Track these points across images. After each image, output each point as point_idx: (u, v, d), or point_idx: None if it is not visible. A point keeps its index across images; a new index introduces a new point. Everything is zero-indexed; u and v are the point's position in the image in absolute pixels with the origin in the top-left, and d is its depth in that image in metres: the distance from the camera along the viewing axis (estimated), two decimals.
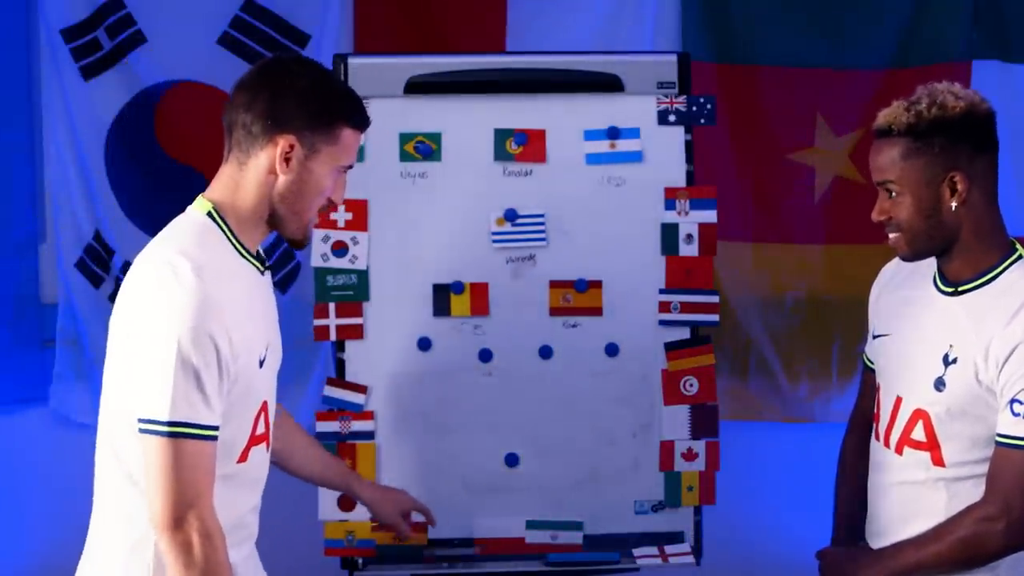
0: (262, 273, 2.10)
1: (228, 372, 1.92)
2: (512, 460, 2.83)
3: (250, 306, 2.02)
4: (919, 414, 2.17)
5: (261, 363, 2.02)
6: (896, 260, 2.32)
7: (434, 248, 2.78)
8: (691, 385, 2.84)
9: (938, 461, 2.16)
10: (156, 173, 3.63)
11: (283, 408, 2.39)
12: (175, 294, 1.89)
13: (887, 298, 2.34)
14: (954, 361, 2.12)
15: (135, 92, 3.62)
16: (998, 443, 2.08)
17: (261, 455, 2.10)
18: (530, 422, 2.82)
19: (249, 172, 2.02)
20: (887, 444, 2.24)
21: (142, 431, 1.90)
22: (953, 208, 2.10)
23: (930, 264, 2.22)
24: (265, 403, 2.08)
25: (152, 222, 3.62)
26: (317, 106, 2.02)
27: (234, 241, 2.03)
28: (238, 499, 2.05)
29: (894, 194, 2.13)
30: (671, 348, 2.84)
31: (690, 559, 2.84)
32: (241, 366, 1.96)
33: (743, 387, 3.74)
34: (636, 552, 2.83)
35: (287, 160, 2.00)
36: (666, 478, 2.83)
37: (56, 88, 3.62)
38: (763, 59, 3.70)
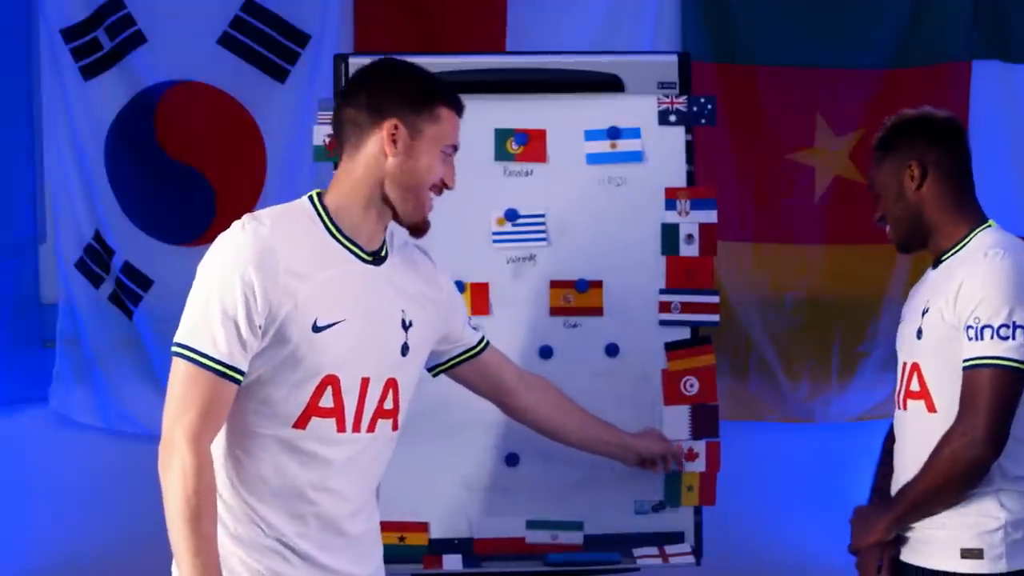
0: (367, 262, 2.15)
1: (255, 320, 2.01)
2: (512, 460, 2.83)
3: (319, 275, 2.08)
4: (914, 367, 2.45)
5: (316, 328, 2.06)
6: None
7: (434, 248, 2.77)
8: (691, 385, 2.84)
9: (931, 407, 2.41)
10: (156, 173, 3.63)
11: (553, 385, 2.60)
12: (224, 240, 2.05)
13: (909, 296, 2.60)
14: (927, 311, 2.42)
15: (135, 92, 3.63)
16: (963, 370, 2.34)
17: (328, 431, 2.11)
18: None
19: (359, 161, 2.14)
20: (899, 406, 2.52)
21: None
22: (915, 190, 2.46)
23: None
24: (335, 378, 2.10)
25: (152, 222, 3.65)
26: (415, 90, 2.14)
27: (327, 222, 2.13)
28: (295, 468, 2.09)
29: (875, 194, 2.53)
30: (671, 348, 2.84)
31: (690, 559, 2.84)
32: (283, 323, 2.03)
33: (743, 387, 3.75)
34: (636, 552, 2.82)
35: (394, 141, 2.12)
36: (666, 478, 2.82)
37: (56, 88, 3.63)
38: (763, 59, 3.71)
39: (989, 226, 2.45)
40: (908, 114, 2.52)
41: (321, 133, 2.80)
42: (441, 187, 2.19)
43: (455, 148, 2.19)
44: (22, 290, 3.69)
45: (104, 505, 3.66)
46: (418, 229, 2.20)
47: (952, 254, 2.44)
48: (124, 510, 3.61)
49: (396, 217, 2.17)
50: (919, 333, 2.43)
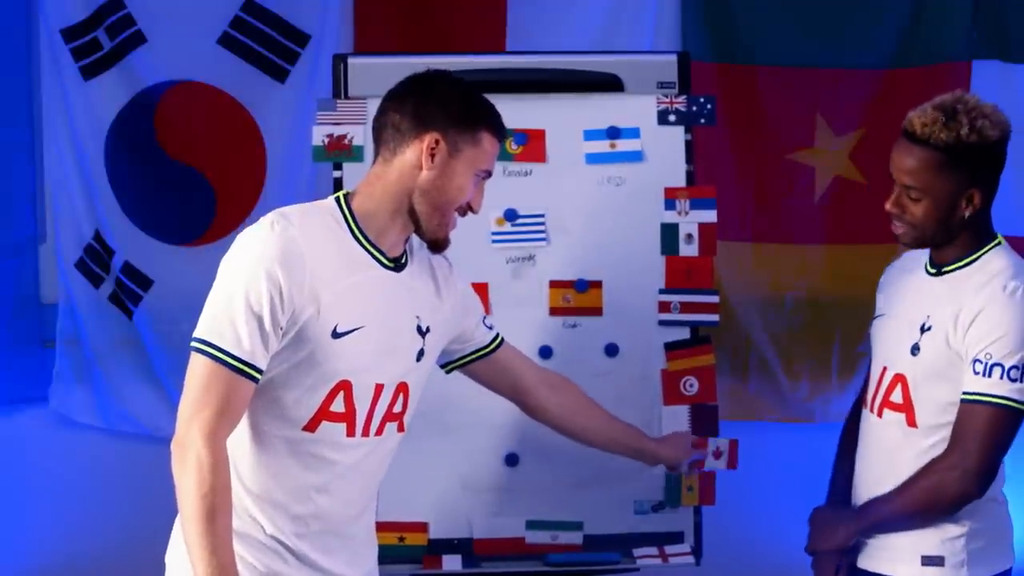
0: (389, 268, 2.15)
1: (279, 320, 2.00)
2: (512, 460, 2.83)
3: (343, 281, 2.07)
4: (898, 378, 2.38)
5: (335, 334, 2.06)
6: (903, 255, 2.53)
7: None
8: (691, 385, 2.84)
9: (911, 422, 2.36)
10: (156, 173, 3.64)
11: (574, 385, 2.57)
12: (252, 237, 2.03)
13: (889, 284, 2.54)
14: (929, 328, 2.33)
15: (135, 92, 3.63)
16: (962, 400, 2.28)
17: (337, 435, 2.11)
18: (530, 422, 2.78)
19: (393, 167, 2.13)
20: (871, 410, 2.45)
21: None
22: (965, 217, 2.30)
23: (925, 252, 2.43)
24: (348, 383, 2.09)
25: (152, 222, 3.65)
26: (462, 110, 2.14)
27: (352, 225, 2.12)
28: (298, 469, 2.10)
29: (914, 195, 2.30)
30: (671, 348, 2.84)
31: (690, 559, 2.84)
32: (304, 327, 2.03)
33: (743, 387, 3.75)
34: (636, 552, 2.82)
35: (432, 155, 2.11)
36: (666, 478, 2.82)
37: (56, 88, 3.63)
38: (763, 59, 3.71)
39: (999, 243, 2.36)
40: (988, 132, 2.25)
41: (320, 133, 2.79)
42: (466, 209, 2.18)
43: (488, 174, 2.19)
44: (22, 290, 3.69)
45: (104, 505, 3.66)
46: (438, 245, 2.20)
47: (958, 267, 2.34)
48: (124, 510, 3.61)
49: (419, 230, 2.16)
50: (915, 349, 2.34)
